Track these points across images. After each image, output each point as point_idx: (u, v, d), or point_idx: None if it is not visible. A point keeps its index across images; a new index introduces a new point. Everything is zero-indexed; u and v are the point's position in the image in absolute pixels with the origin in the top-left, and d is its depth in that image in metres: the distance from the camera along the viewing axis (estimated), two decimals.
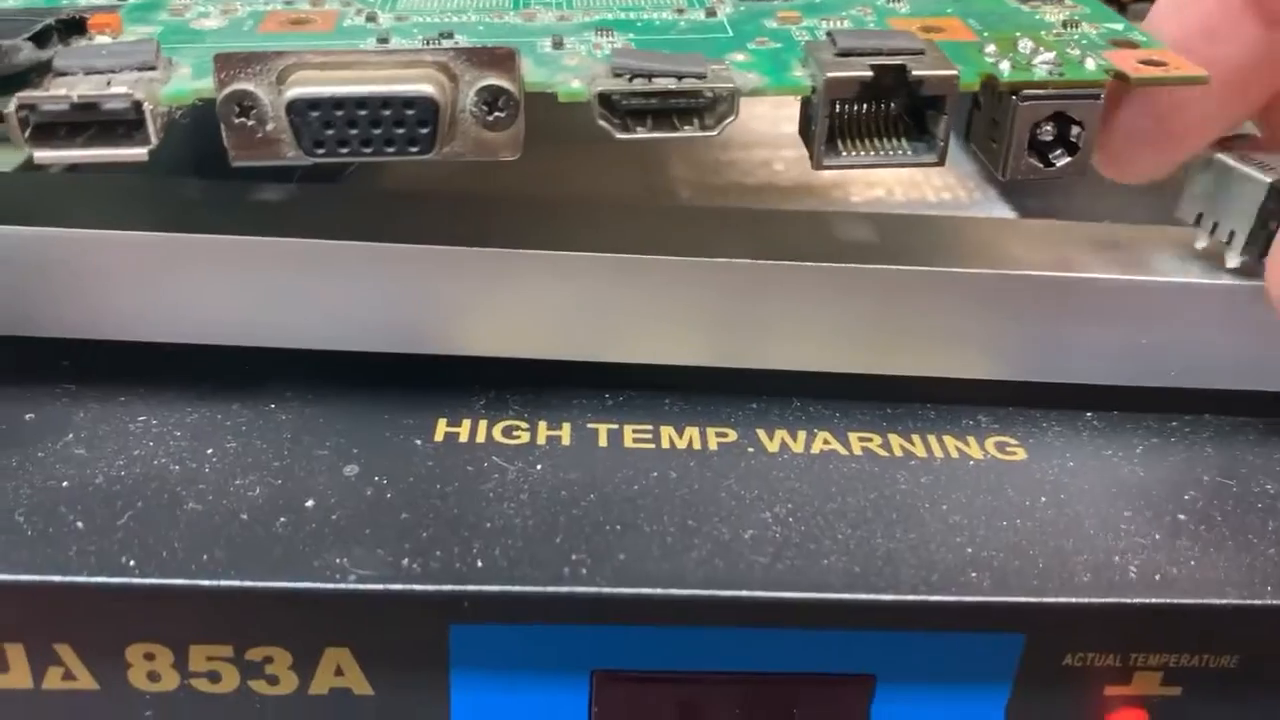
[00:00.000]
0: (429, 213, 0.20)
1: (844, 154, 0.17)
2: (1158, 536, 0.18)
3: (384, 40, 0.18)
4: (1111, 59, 0.18)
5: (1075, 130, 0.17)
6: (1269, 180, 0.19)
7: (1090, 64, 0.18)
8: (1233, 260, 0.20)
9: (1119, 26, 0.19)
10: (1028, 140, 0.17)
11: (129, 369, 0.20)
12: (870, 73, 0.17)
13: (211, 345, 0.20)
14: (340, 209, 0.21)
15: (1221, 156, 0.20)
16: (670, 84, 0.17)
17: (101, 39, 0.19)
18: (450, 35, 0.19)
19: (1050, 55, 0.18)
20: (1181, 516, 0.18)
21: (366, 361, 0.20)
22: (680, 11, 0.20)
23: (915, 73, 0.17)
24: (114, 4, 0.20)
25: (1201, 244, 0.21)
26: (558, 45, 0.18)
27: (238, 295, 0.20)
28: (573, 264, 0.20)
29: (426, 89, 0.16)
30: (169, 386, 0.20)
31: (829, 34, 0.18)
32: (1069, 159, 0.18)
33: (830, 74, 0.17)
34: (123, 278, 0.20)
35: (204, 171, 0.21)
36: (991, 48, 0.18)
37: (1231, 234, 0.20)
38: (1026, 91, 0.17)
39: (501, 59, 0.17)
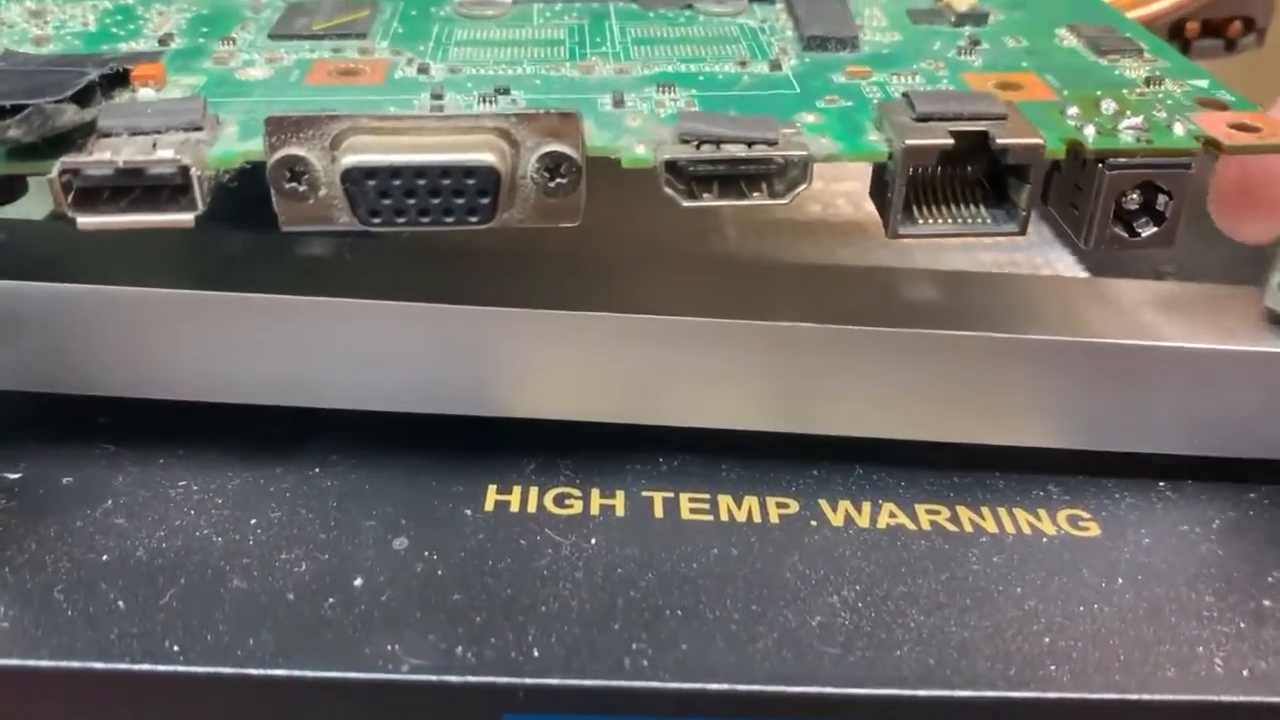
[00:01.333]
0: (477, 270, 0.20)
1: (920, 222, 0.17)
2: (1243, 625, 0.17)
3: (439, 96, 0.18)
4: (1201, 122, 0.17)
5: (1162, 199, 0.17)
6: None
7: (1179, 129, 0.17)
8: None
9: (1204, 83, 0.19)
10: (1113, 210, 0.17)
11: (169, 428, 0.20)
12: (951, 140, 0.16)
13: (254, 404, 0.20)
14: (386, 266, 0.20)
15: None
16: (740, 151, 0.16)
17: (145, 92, 0.18)
18: (507, 91, 0.18)
19: (1137, 120, 0.17)
20: (1267, 602, 0.18)
21: (413, 422, 0.20)
22: (743, 64, 0.19)
23: (999, 141, 0.16)
24: (157, 50, 0.20)
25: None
26: (619, 104, 0.18)
27: (281, 354, 0.19)
28: (627, 326, 0.19)
29: (488, 158, 0.15)
30: (210, 448, 0.20)
31: (905, 95, 0.17)
32: (1155, 229, 0.17)
33: (910, 141, 0.16)
34: (162, 336, 0.19)
35: (245, 219, 0.20)
36: (1074, 109, 0.17)
37: None
38: (1113, 160, 0.16)
39: (565, 124, 0.16)
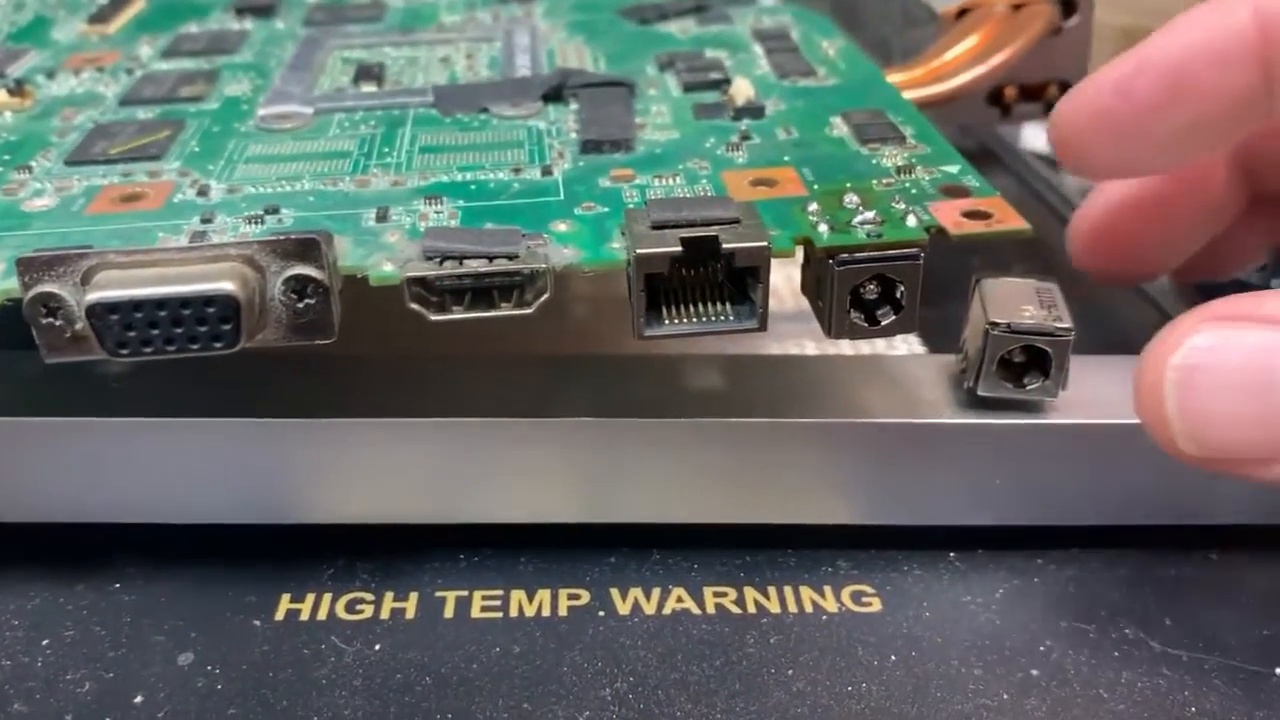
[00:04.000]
0: (266, 380, 0.20)
1: (666, 322, 0.17)
2: (1006, 696, 0.18)
3: (208, 220, 0.18)
4: (935, 211, 0.18)
5: (900, 288, 0.17)
6: (985, 322, 0.19)
7: (911, 220, 0.17)
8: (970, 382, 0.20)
9: (954, 169, 0.19)
10: (849, 301, 0.17)
11: None
12: (680, 248, 0.17)
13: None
14: (179, 381, 0.20)
15: (983, 283, 0.20)
16: (481, 266, 0.17)
17: None
18: (276, 210, 0.19)
19: (871, 214, 0.17)
20: (1034, 671, 0.18)
21: (220, 533, 0.20)
22: (517, 170, 0.20)
23: (726, 245, 0.17)
24: None
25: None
26: (381, 218, 0.18)
27: (83, 474, 0.20)
28: (418, 430, 0.19)
29: (226, 286, 0.16)
30: (14, 566, 0.20)
31: (647, 202, 0.18)
32: (894, 316, 0.17)
33: (640, 250, 0.16)
34: None
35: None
36: (814, 206, 0.18)
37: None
38: (844, 255, 0.17)
39: (308, 248, 0.16)
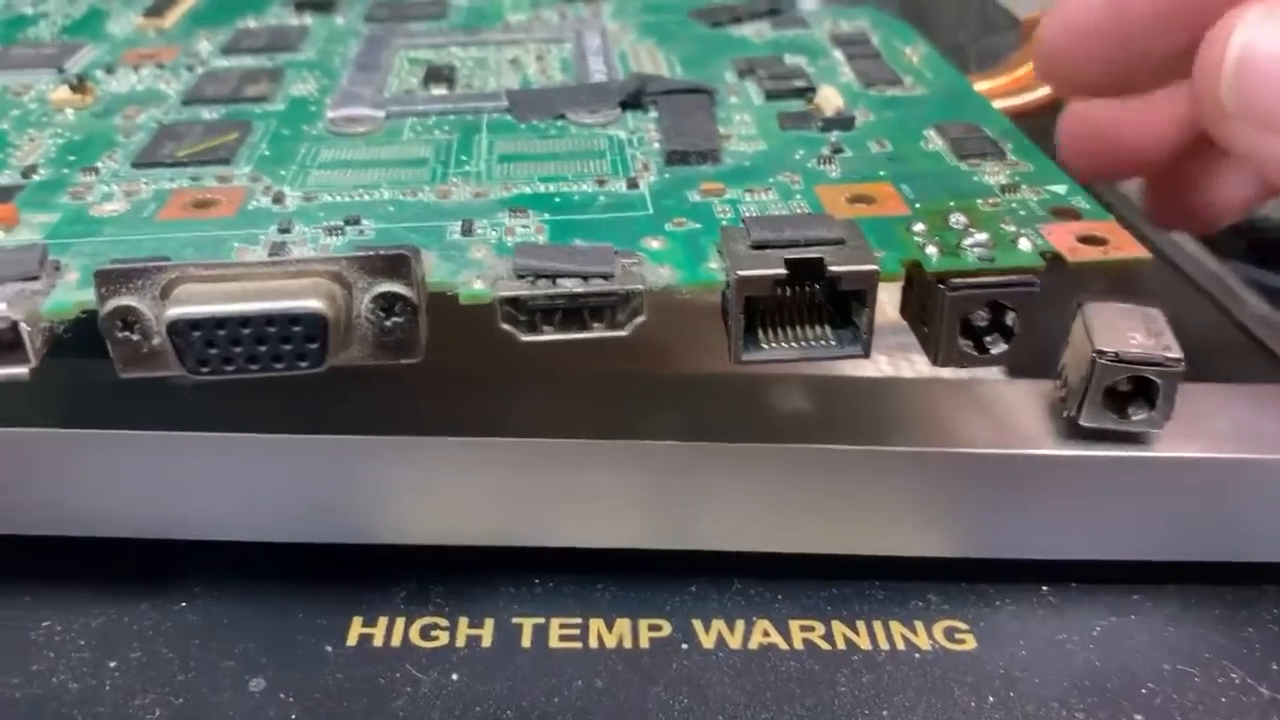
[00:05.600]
0: (339, 396, 0.19)
1: (765, 347, 0.16)
2: None
3: (286, 229, 0.18)
4: (1050, 235, 0.17)
5: (1011, 316, 0.16)
6: (1092, 350, 0.18)
7: (1025, 244, 0.17)
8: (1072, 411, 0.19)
9: (1062, 189, 0.18)
10: (959, 328, 0.16)
11: (40, 563, 0.19)
12: (784, 270, 0.16)
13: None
14: (250, 396, 0.19)
15: (1086, 307, 0.19)
16: (576, 286, 0.16)
17: None
18: (357, 221, 0.18)
19: (983, 236, 0.17)
20: (1139, 717, 0.17)
21: (288, 551, 0.19)
22: (601, 183, 0.19)
23: (832, 268, 0.16)
24: (17, 184, 0.20)
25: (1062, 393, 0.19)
26: (467, 231, 0.17)
27: (148, 488, 0.19)
28: (496, 450, 0.19)
29: (313, 304, 0.15)
30: (79, 583, 0.19)
31: (744, 221, 0.17)
32: (1005, 345, 0.17)
33: (741, 272, 0.16)
34: (32, 473, 0.19)
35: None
36: (920, 226, 0.17)
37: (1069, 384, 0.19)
38: (955, 281, 0.16)
39: (397, 264, 0.16)
